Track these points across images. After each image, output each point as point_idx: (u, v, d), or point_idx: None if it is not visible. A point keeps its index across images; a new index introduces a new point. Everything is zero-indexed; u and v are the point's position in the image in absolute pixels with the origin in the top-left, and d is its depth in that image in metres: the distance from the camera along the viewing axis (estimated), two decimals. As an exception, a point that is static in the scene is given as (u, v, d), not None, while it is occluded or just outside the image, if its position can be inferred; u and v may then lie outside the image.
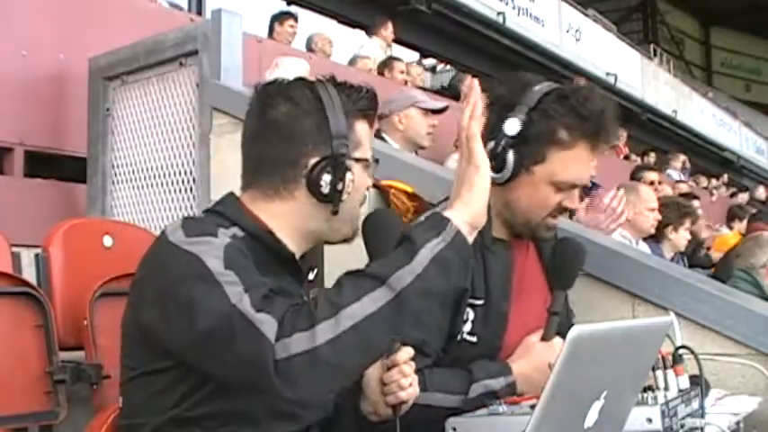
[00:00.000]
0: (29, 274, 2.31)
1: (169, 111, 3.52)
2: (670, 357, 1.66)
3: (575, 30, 13.15)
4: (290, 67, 3.82)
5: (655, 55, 17.18)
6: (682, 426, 1.54)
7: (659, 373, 1.62)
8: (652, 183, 5.62)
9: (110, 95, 3.77)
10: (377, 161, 1.59)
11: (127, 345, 1.50)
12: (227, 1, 5.00)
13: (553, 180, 1.78)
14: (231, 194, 1.55)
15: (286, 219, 1.51)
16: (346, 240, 1.58)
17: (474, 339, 1.78)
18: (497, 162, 1.75)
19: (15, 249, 2.34)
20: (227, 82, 3.31)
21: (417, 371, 1.58)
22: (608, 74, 13.64)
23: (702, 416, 1.61)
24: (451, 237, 1.34)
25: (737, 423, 1.69)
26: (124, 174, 3.71)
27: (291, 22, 7.12)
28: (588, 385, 1.18)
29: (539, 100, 1.76)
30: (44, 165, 4.33)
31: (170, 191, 3.48)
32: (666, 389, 1.61)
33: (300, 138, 1.49)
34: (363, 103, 1.54)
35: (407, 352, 1.51)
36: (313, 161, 1.48)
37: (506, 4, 11.44)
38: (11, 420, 2.04)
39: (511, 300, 1.84)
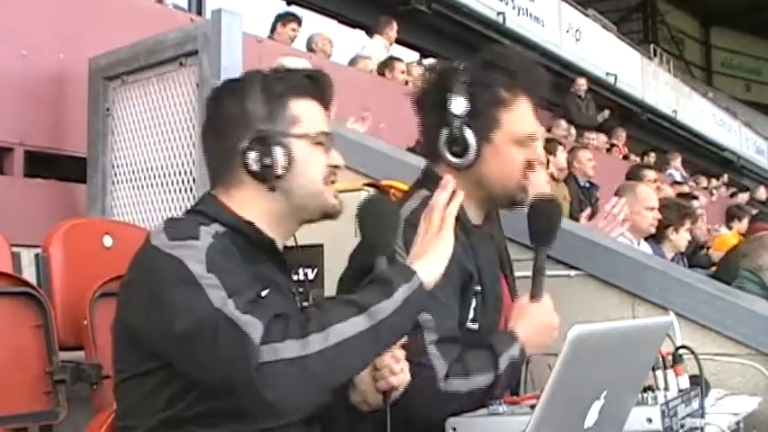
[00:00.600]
0: (29, 274, 2.30)
1: (169, 111, 3.50)
2: (670, 357, 1.66)
3: (575, 30, 13.16)
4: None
5: (655, 55, 17.17)
6: (682, 426, 1.54)
7: (659, 373, 1.63)
8: (656, 181, 5.60)
9: (110, 95, 3.76)
10: (328, 134, 1.60)
11: (117, 347, 1.52)
12: (227, 1, 5.00)
13: (515, 138, 1.84)
14: (208, 193, 1.61)
15: (250, 205, 1.55)
16: (328, 216, 1.60)
17: (476, 327, 1.79)
18: (459, 145, 1.82)
19: (15, 249, 2.34)
20: (227, 82, 3.30)
21: (456, 360, 1.67)
22: (608, 74, 13.65)
23: (702, 416, 1.61)
24: (417, 286, 1.41)
25: (737, 423, 1.69)
26: (124, 174, 3.70)
27: (294, 25, 7.10)
28: (588, 385, 1.18)
29: (471, 73, 1.82)
30: (44, 165, 4.32)
31: (170, 191, 3.47)
32: (666, 389, 1.62)
33: (230, 127, 1.56)
34: (299, 81, 1.59)
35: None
36: (243, 145, 1.54)
37: (506, 4, 11.45)
38: (11, 420, 2.04)
39: (501, 281, 1.88)
